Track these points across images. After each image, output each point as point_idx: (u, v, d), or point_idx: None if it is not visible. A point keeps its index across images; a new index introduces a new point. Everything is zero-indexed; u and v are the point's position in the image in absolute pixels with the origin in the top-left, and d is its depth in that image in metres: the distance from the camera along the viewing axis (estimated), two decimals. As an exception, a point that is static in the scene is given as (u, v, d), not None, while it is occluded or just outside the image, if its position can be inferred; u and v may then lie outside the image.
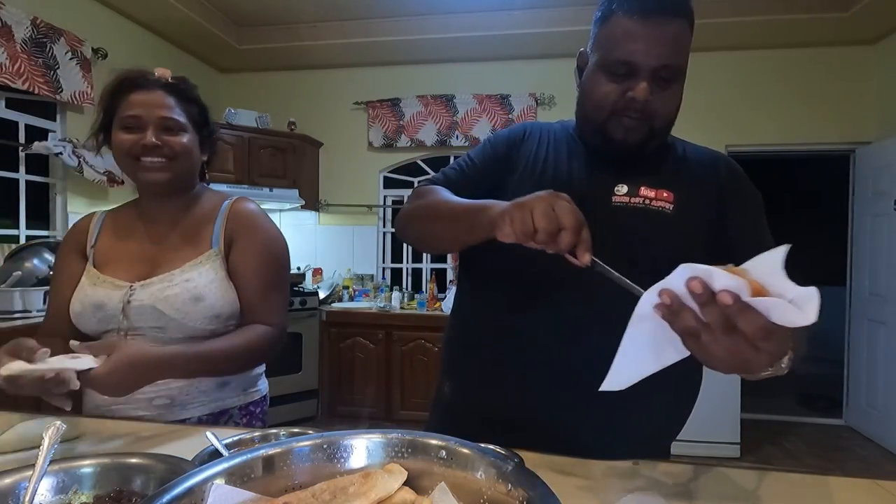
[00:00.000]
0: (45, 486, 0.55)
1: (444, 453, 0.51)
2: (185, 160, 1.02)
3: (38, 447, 0.53)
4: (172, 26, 3.41)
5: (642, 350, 0.52)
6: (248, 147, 3.57)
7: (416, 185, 0.93)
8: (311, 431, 0.59)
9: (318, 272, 4.03)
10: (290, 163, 3.76)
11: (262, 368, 1.16)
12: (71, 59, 2.75)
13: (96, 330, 0.99)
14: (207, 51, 3.84)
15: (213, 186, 3.94)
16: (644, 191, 0.81)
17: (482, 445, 0.53)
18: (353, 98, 4.05)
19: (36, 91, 2.59)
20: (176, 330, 0.97)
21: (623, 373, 0.53)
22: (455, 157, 4.05)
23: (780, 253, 0.46)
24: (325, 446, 0.53)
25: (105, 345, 0.84)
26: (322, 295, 3.70)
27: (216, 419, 1.04)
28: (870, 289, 3.46)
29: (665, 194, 0.81)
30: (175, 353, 0.90)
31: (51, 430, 0.54)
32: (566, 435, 0.77)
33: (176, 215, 1.06)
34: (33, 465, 0.52)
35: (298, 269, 4.02)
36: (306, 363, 3.50)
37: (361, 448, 0.53)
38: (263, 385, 1.15)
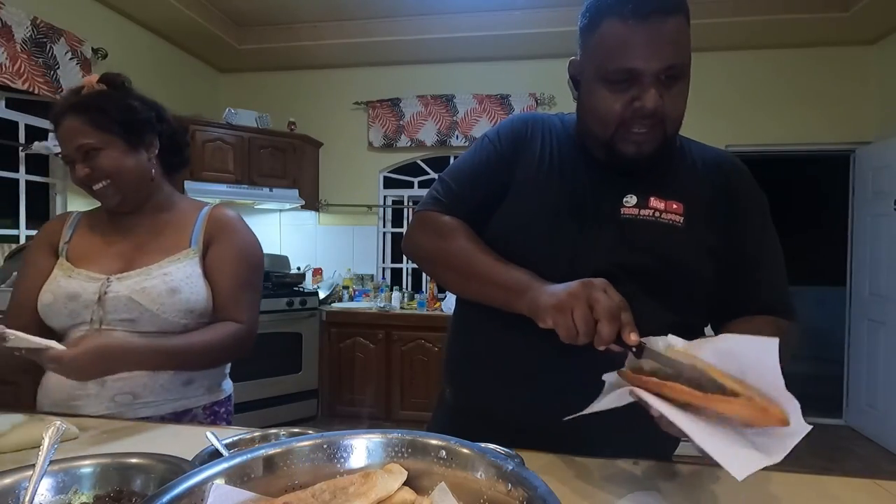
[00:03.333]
0: (45, 486, 0.55)
1: (444, 453, 0.51)
2: (125, 176, 1.01)
3: (38, 447, 0.53)
4: (172, 26, 3.41)
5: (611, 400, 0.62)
6: (248, 147, 3.57)
7: (413, 201, 0.91)
8: (311, 431, 0.59)
9: (318, 272, 4.03)
10: (290, 163, 3.76)
11: (227, 368, 1.18)
12: (71, 59, 2.75)
13: (65, 323, 1.00)
14: (207, 51, 3.84)
15: (213, 186, 3.89)
16: (654, 202, 0.79)
17: (482, 445, 0.53)
18: (353, 98, 4.05)
19: (36, 91, 2.59)
20: (149, 322, 0.98)
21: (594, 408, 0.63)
22: (455, 158, 4.06)
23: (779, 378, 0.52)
24: (325, 446, 0.53)
25: (73, 341, 0.86)
26: (322, 295, 3.70)
27: (178, 418, 1.05)
28: (870, 289, 3.45)
29: (675, 206, 0.79)
30: (146, 345, 0.93)
31: (51, 430, 0.54)
32: (568, 439, 0.76)
33: (151, 217, 1.09)
34: (33, 465, 0.52)
35: (298, 269, 4.01)
36: (306, 363, 3.50)
37: (361, 448, 0.53)
38: (228, 385, 1.17)
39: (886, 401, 3.24)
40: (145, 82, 3.71)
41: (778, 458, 0.50)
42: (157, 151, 1.08)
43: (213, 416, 1.11)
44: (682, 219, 0.78)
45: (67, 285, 0.99)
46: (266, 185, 3.63)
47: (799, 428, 0.50)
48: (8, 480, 0.55)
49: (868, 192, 3.48)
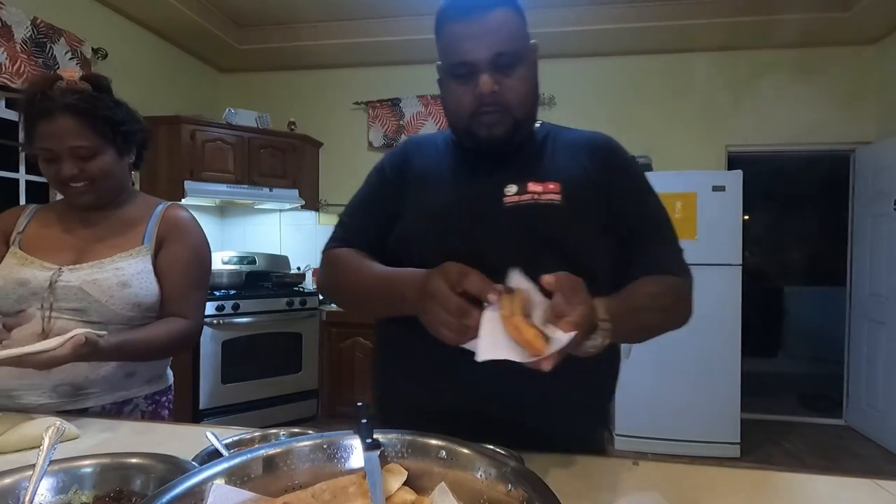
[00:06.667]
0: (45, 486, 0.55)
1: (444, 453, 0.51)
2: (106, 179, 1.07)
3: (38, 447, 0.53)
4: (172, 26, 3.41)
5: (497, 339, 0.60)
6: (248, 147, 3.57)
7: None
8: (311, 431, 0.59)
9: (318, 272, 4.02)
10: (290, 163, 3.76)
11: (168, 359, 1.20)
12: (71, 59, 2.75)
13: (11, 308, 1.01)
14: (207, 51, 3.84)
15: (213, 186, 3.89)
16: (532, 186, 0.83)
17: (482, 445, 0.53)
18: (353, 98, 4.05)
19: (35, 91, 2.58)
20: (97, 313, 1.01)
21: (485, 349, 0.59)
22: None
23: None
24: (325, 446, 0.53)
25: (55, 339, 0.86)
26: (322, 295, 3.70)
27: (120, 408, 1.07)
28: (870, 289, 3.45)
29: (552, 186, 0.83)
30: (114, 344, 0.94)
31: (51, 430, 0.54)
32: (498, 422, 0.77)
33: (107, 213, 1.12)
34: (33, 465, 0.52)
35: (298, 268, 4.01)
36: (306, 363, 3.50)
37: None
38: (169, 375, 1.21)
39: (886, 401, 3.24)
40: (145, 82, 3.69)
41: (523, 360, 0.57)
42: (134, 158, 1.14)
43: (154, 404, 1.14)
44: (560, 197, 0.82)
45: (20, 272, 1.02)
46: (266, 185, 3.63)
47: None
48: (8, 480, 0.55)
49: (868, 192, 3.48)
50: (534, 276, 0.65)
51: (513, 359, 0.57)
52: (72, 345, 0.83)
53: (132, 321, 1.05)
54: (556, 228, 0.81)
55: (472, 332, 0.61)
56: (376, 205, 0.93)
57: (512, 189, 0.83)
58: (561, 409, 0.82)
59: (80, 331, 0.86)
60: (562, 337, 0.56)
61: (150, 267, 1.08)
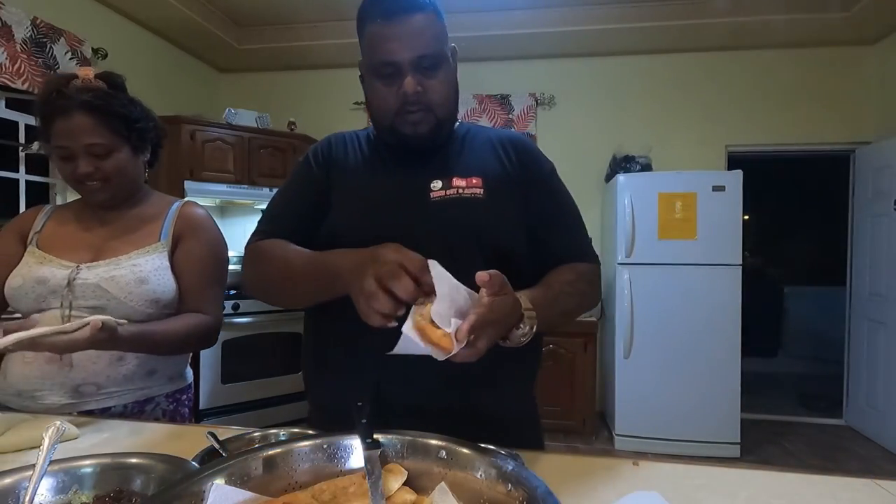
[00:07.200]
0: (45, 486, 0.55)
1: (444, 453, 0.51)
2: (121, 177, 1.07)
3: (38, 447, 0.53)
4: (172, 26, 3.41)
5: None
6: (248, 147, 3.57)
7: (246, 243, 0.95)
8: (311, 431, 0.59)
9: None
10: (290, 163, 3.75)
11: (188, 358, 1.21)
12: (71, 59, 2.75)
13: (31, 308, 1.02)
14: (207, 51, 3.84)
15: (213, 186, 3.87)
16: (456, 181, 0.86)
17: (482, 445, 0.53)
18: (353, 98, 4.05)
19: (36, 91, 2.59)
20: (115, 310, 1.01)
21: (404, 346, 0.60)
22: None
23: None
24: (325, 446, 0.53)
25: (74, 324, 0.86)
26: (322, 295, 3.70)
27: (142, 406, 1.08)
28: (870, 289, 3.45)
29: (475, 181, 0.86)
30: (134, 333, 0.95)
31: (51, 430, 0.54)
32: (434, 412, 0.76)
33: (124, 211, 1.13)
34: (33, 465, 0.52)
35: (298, 269, 4.01)
36: (306, 363, 3.49)
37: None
38: (189, 374, 1.22)
39: (886, 401, 3.24)
40: (145, 82, 3.69)
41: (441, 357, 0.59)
42: (148, 156, 1.15)
43: (175, 402, 1.14)
44: (482, 191, 0.86)
45: (38, 270, 1.03)
46: (266, 185, 3.63)
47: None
48: (8, 480, 0.55)
49: (868, 192, 3.48)
50: (460, 267, 0.66)
51: (434, 356, 0.59)
52: (89, 329, 0.84)
53: (150, 318, 1.05)
54: (480, 221, 0.84)
55: (396, 309, 0.62)
56: (301, 196, 0.93)
57: (437, 184, 0.86)
58: (490, 392, 0.84)
59: (98, 317, 0.86)
60: (457, 323, 0.59)
61: (167, 264, 1.09)
